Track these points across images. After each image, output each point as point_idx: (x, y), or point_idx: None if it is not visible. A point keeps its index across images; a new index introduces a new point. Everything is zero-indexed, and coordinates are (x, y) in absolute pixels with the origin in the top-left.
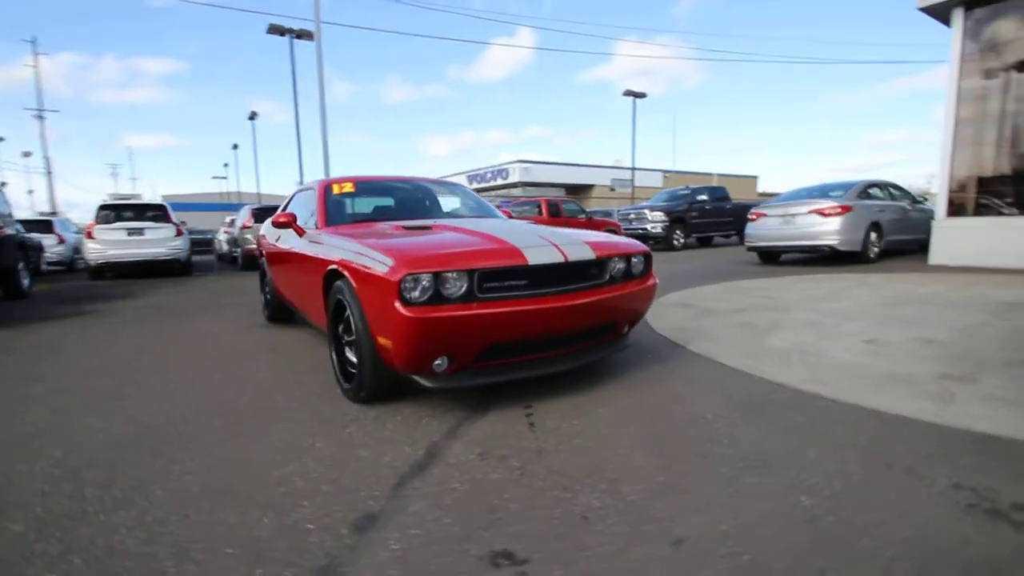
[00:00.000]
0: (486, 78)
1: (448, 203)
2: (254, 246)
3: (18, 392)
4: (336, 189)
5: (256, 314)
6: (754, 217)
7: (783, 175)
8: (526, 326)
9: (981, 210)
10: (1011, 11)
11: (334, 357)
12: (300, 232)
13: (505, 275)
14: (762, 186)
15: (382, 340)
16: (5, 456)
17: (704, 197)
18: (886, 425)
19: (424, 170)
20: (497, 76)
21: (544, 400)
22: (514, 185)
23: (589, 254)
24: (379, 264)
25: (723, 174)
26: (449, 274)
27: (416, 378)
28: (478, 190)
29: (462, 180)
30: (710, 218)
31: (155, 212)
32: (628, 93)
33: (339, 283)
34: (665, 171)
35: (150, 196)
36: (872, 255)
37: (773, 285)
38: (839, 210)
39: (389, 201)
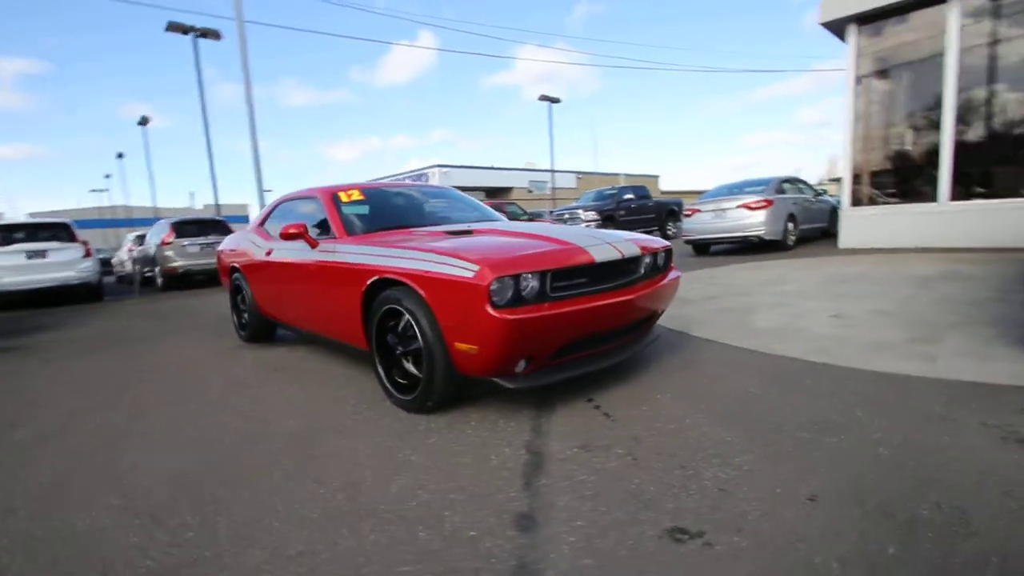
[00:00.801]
0: (390, 82)
1: (455, 207)
2: (179, 263)
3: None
4: (344, 198)
5: (224, 336)
6: (690, 213)
7: (678, 174)
8: (595, 322)
9: (875, 200)
10: (892, 26)
11: (381, 370)
12: (313, 243)
13: (574, 274)
14: (663, 184)
15: (462, 346)
16: (51, 510)
17: (630, 196)
18: (898, 383)
19: (332, 177)
20: (401, 80)
21: (601, 392)
22: None
23: (636, 251)
24: (461, 269)
25: (629, 174)
26: (531, 275)
27: (498, 380)
28: None
29: None
30: (636, 215)
31: (55, 231)
32: (544, 98)
33: (391, 292)
34: (578, 172)
35: (11, 215)
36: (790, 243)
37: (721, 274)
38: (764, 204)
39: (402, 208)
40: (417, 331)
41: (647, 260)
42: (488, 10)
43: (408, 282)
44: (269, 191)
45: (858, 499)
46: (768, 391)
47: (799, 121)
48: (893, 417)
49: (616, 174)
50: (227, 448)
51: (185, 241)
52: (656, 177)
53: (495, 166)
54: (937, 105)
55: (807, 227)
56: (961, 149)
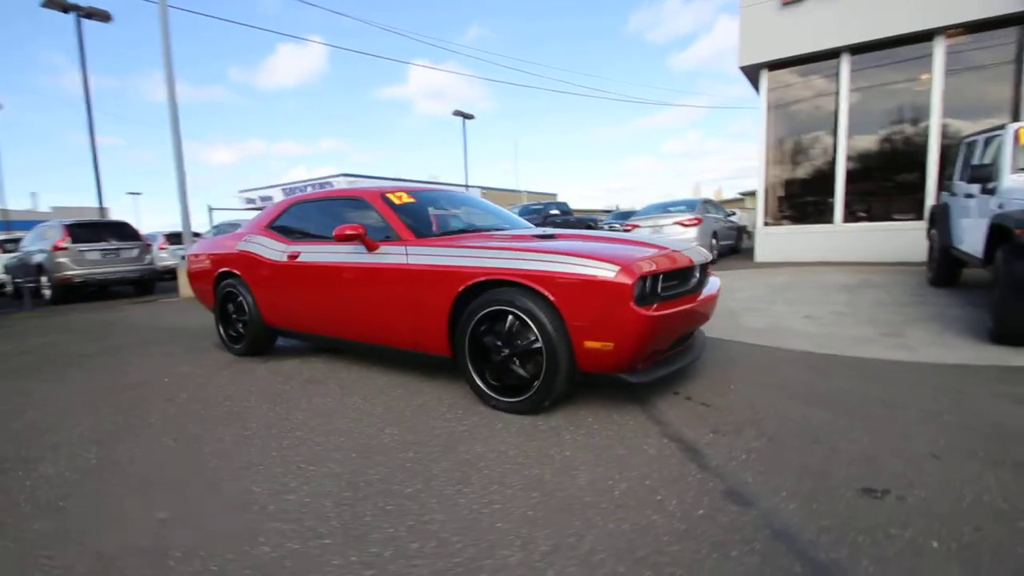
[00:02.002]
0: (276, 85)
1: (490, 212)
2: (76, 272)
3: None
4: (396, 200)
5: (201, 350)
6: (629, 228)
7: (571, 192)
8: (691, 321)
9: (782, 221)
10: (795, 73)
11: (475, 374)
12: (372, 246)
13: (674, 276)
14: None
15: (593, 344)
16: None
17: (555, 212)
18: (904, 368)
19: (208, 182)
20: (288, 83)
21: (682, 386)
22: None
23: (708, 256)
24: (599, 270)
25: (530, 191)
26: (658, 276)
27: (623, 376)
28: None
29: (277, 193)
30: (560, 230)
31: None
32: (458, 113)
33: (499, 294)
34: (483, 188)
35: None
36: (714, 257)
37: None
38: (695, 221)
39: (449, 212)
40: (537, 331)
41: (707, 266)
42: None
43: (529, 283)
44: (138, 194)
45: (968, 453)
46: (815, 378)
47: (666, 151)
48: (925, 393)
49: (517, 191)
50: (384, 468)
51: (83, 247)
52: (554, 195)
53: (401, 178)
54: (832, 142)
55: (723, 243)
56: (850, 179)
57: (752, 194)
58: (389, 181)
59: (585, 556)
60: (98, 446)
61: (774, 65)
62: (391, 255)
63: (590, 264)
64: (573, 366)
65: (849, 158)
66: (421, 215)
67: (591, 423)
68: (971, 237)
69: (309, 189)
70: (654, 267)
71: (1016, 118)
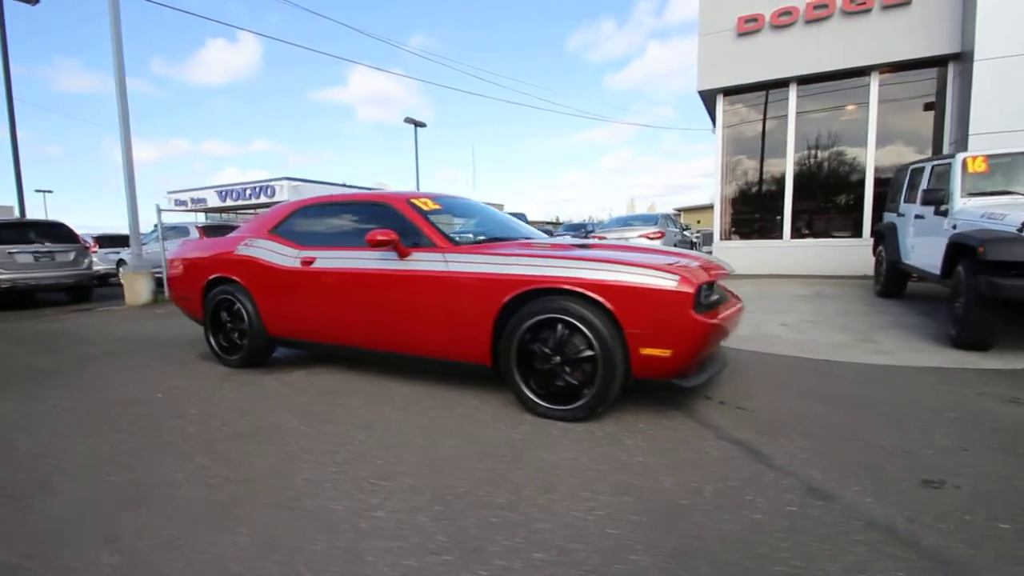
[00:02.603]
0: (205, 82)
1: (508, 220)
2: (3, 275)
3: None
4: (423, 206)
5: (186, 363)
6: (600, 239)
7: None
8: (733, 328)
9: (734, 236)
10: (749, 99)
11: (521, 382)
12: (404, 252)
13: (713, 286)
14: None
15: (650, 351)
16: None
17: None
18: (889, 371)
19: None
20: (218, 81)
21: (712, 391)
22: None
23: (732, 268)
24: (660, 279)
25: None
26: (710, 285)
27: (678, 381)
28: (238, 208)
29: (211, 196)
30: (588, 240)
31: None
32: (409, 121)
33: (550, 302)
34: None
35: None
36: None
37: None
38: (659, 235)
39: (474, 219)
40: (593, 339)
41: None
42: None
43: (587, 291)
44: (49, 192)
45: (987, 446)
46: (819, 382)
47: (601, 166)
48: (922, 393)
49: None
50: (463, 480)
51: (12, 248)
52: (501, 205)
53: (348, 184)
54: (782, 164)
55: None
56: (796, 199)
57: (687, 210)
58: (336, 187)
59: (710, 555)
60: (120, 468)
61: (729, 91)
62: (427, 262)
63: (650, 274)
64: (628, 373)
65: (796, 179)
66: (450, 224)
67: (644, 428)
68: (924, 254)
69: (249, 192)
70: (707, 277)
71: (938, 148)
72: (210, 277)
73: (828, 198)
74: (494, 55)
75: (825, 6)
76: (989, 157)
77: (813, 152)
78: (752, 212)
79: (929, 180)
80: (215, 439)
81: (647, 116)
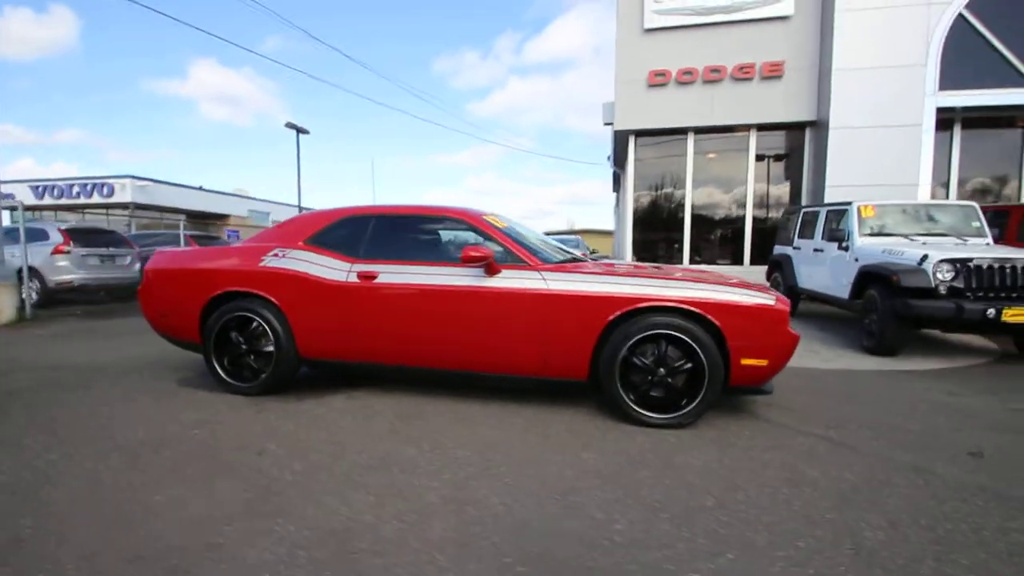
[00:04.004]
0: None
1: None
2: None
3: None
4: (499, 224)
5: (157, 393)
6: None
7: None
8: None
9: (644, 258)
10: (653, 142)
11: (623, 393)
12: (495, 270)
13: None
14: None
15: (749, 361)
16: None
17: None
18: (845, 375)
19: None
20: (23, 56)
21: (748, 402)
22: (122, 206)
23: None
24: (764, 299)
25: None
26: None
27: (762, 387)
28: (60, 207)
29: (23, 191)
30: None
31: None
32: (290, 126)
33: (659, 319)
34: (303, 208)
35: None
36: None
37: None
38: (585, 256)
39: (536, 235)
40: (700, 352)
41: None
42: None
43: (696, 309)
44: None
45: (977, 426)
46: (809, 383)
47: (466, 187)
48: (887, 390)
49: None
50: (649, 488)
51: None
52: None
53: (204, 187)
54: (681, 197)
55: None
56: (693, 229)
57: (554, 233)
58: (194, 190)
59: (918, 524)
60: (295, 519)
61: (640, 133)
62: (522, 280)
63: (751, 294)
64: (727, 382)
65: (693, 212)
66: (531, 241)
67: (737, 430)
68: (825, 280)
69: (77, 189)
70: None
71: (796, 194)
72: (216, 293)
73: (717, 230)
74: (357, 71)
75: (719, 71)
76: (876, 206)
77: (706, 191)
78: (656, 240)
79: (825, 222)
80: (348, 474)
81: (509, 144)
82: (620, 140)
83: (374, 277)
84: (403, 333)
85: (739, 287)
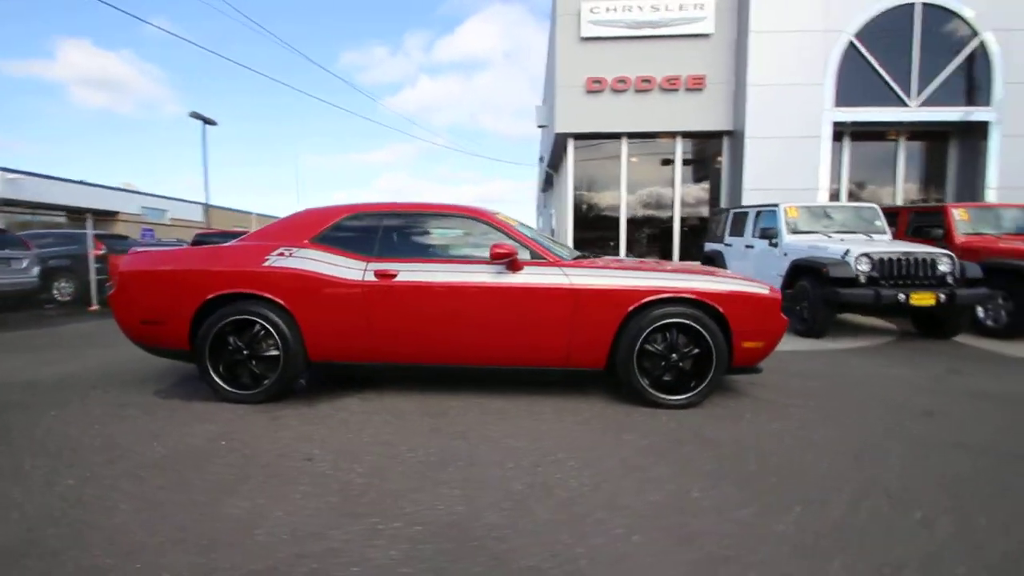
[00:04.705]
0: None
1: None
2: None
3: None
4: (512, 222)
5: (144, 406)
6: None
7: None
8: None
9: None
10: (590, 144)
11: (640, 378)
12: (519, 266)
13: None
14: None
15: (749, 344)
16: None
17: None
18: (800, 355)
19: None
20: None
21: (739, 382)
22: None
23: None
24: (761, 289)
25: (261, 214)
26: None
27: (759, 366)
28: None
29: None
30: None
31: None
32: (196, 116)
33: (668, 309)
34: (206, 205)
35: None
36: None
37: None
38: None
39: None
40: (709, 337)
41: None
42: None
43: (704, 299)
44: None
45: (935, 391)
46: (776, 364)
47: (378, 187)
48: (841, 367)
49: (248, 212)
50: (710, 467)
51: None
52: None
53: (86, 181)
54: (616, 197)
55: None
56: (628, 226)
57: None
58: (73, 184)
59: (924, 471)
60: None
61: (578, 136)
62: (545, 275)
63: (751, 284)
64: (729, 363)
65: (628, 211)
66: (543, 238)
67: (736, 406)
68: (759, 273)
69: None
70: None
71: (716, 196)
72: (211, 296)
73: (649, 228)
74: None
75: (649, 81)
76: (798, 207)
77: (638, 192)
78: (595, 237)
79: (756, 221)
80: (417, 472)
81: (422, 143)
82: (559, 142)
83: (393, 276)
84: (425, 331)
85: (736, 278)
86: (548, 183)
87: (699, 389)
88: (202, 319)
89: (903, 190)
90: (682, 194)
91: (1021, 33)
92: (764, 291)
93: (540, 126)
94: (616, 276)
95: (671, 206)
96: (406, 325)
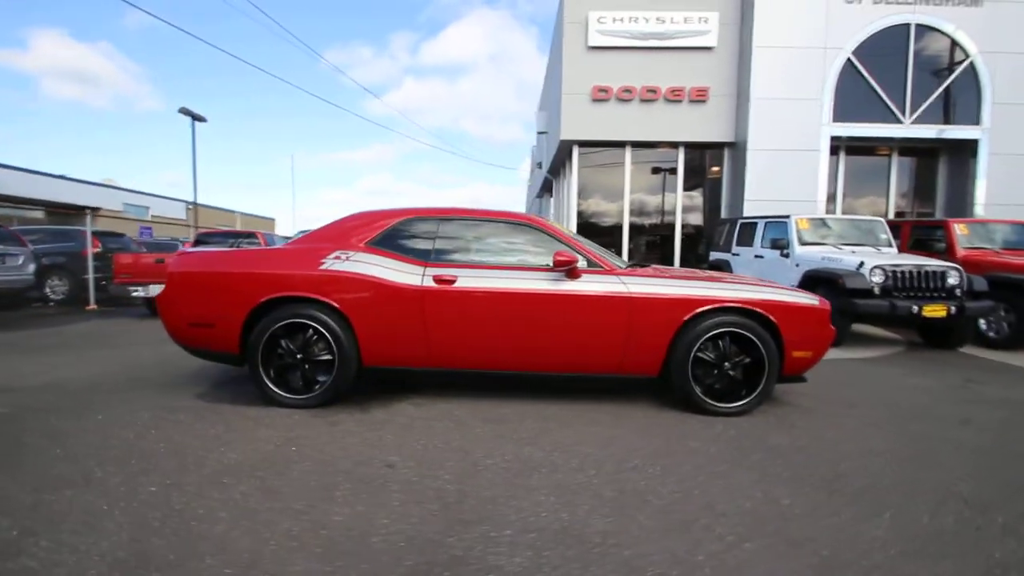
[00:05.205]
0: None
1: None
2: None
3: None
4: (565, 229)
5: (169, 394)
6: None
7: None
8: None
9: None
10: (593, 153)
11: (695, 386)
12: (577, 274)
13: None
14: (281, 228)
15: (798, 353)
16: None
17: None
18: (830, 365)
19: None
20: None
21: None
22: None
23: None
24: (809, 300)
25: (246, 213)
26: None
27: (804, 375)
28: None
29: None
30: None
31: None
32: (185, 112)
33: (722, 319)
34: (189, 203)
35: None
36: None
37: None
38: None
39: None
40: (762, 346)
41: None
42: None
43: (758, 309)
44: None
45: (945, 400)
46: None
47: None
48: (854, 376)
49: (232, 211)
50: (786, 466)
51: None
52: (272, 220)
53: (67, 176)
54: (620, 204)
55: None
56: (631, 233)
57: None
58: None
59: (972, 475)
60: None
61: (583, 143)
62: (603, 283)
63: (801, 295)
64: (781, 371)
65: (631, 217)
66: (597, 247)
67: (783, 414)
68: None
69: None
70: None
71: (716, 206)
72: (266, 298)
73: (650, 235)
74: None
75: (654, 92)
76: (808, 219)
77: (640, 199)
78: (596, 242)
79: (765, 232)
80: (504, 479)
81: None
82: (563, 149)
83: (452, 281)
84: (483, 337)
85: (785, 289)
86: (546, 189)
87: (751, 398)
88: (253, 322)
89: (895, 204)
90: (683, 203)
91: (1007, 56)
92: (815, 302)
93: (540, 132)
94: (672, 285)
95: (673, 214)
96: (464, 331)
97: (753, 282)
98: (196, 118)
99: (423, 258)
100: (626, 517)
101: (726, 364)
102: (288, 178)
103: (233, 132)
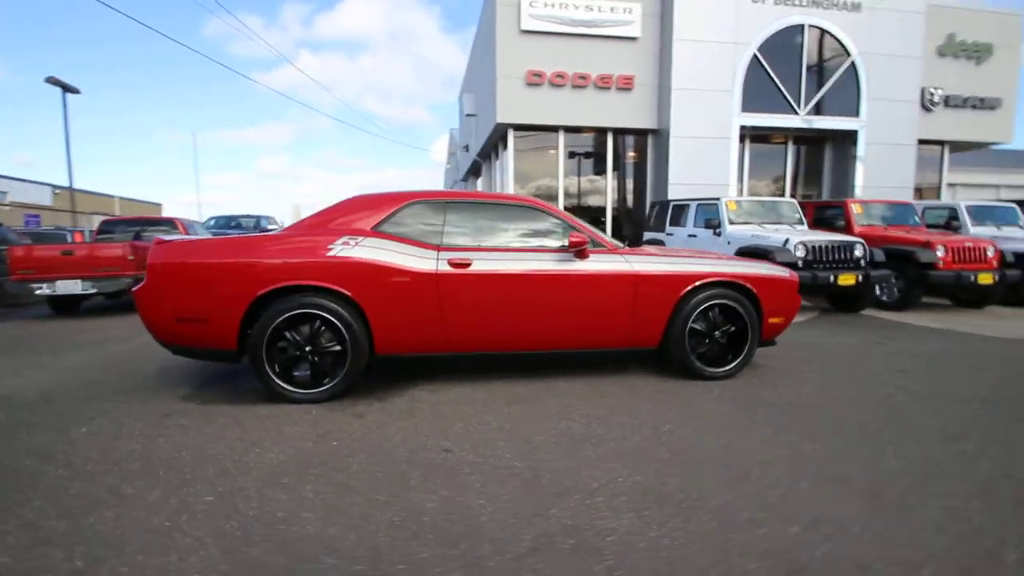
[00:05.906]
0: None
1: None
2: None
3: None
4: (567, 213)
5: (161, 397)
6: None
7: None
8: None
9: None
10: (526, 137)
11: (692, 356)
12: (585, 255)
13: None
14: (169, 213)
15: (774, 319)
16: None
17: (272, 227)
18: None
19: None
20: None
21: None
22: None
23: None
24: (784, 272)
25: (126, 198)
26: None
27: (776, 340)
28: None
29: None
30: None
31: None
32: (53, 81)
33: (716, 292)
34: (56, 187)
35: None
36: None
37: None
38: None
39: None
40: (745, 315)
41: None
42: None
43: (743, 282)
44: None
45: (877, 354)
46: None
47: (259, 169)
48: (794, 340)
49: (110, 196)
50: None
51: None
52: (159, 205)
53: None
54: (554, 187)
55: None
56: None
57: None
58: None
59: (935, 417)
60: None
61: (518, 127)
62: (609, 263)
63: (777, 269)
64: (760, 336)
65: (566, 197)
66: (596, 228)
67: (761, 374)
68: None
69: None
70: None
71: (641, 189)
72: (269, 289)
73: (583, 217)
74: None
75: (585, 78)
76: (736, 201)
77: (573, 182)
78: None
79: (697, 213)
80: (569, 454)
81: (303, 122)
82: (497, 132)
83: (468, 265)
84: (500, 319)
85: (763, 263)
86: (473, 172)
87: (737, 361)
88: (252, 316)
89: (790, 187)
90: (612, 186)
91: (879, 56)
92: (786, 274)
93: (468, 115)
94: (669, 262)
95: (603, 195)
96: (482, 314)
97: (729, 258)
98: (68, 89)
99: (433, 242)
100: (693, 473)
101: (716, 333)
102: (171, 160)
103: (105, 108)
